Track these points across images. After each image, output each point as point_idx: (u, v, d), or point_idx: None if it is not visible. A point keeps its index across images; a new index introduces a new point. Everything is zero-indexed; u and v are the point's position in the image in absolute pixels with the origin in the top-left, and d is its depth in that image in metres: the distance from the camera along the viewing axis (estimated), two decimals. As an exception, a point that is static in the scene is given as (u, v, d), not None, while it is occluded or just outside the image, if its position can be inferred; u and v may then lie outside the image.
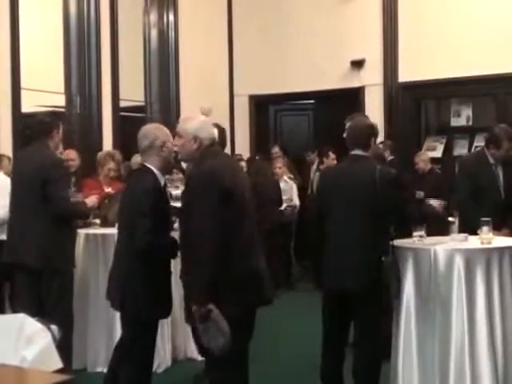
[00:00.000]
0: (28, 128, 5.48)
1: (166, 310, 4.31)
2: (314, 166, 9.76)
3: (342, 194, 4.38)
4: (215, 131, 4.04)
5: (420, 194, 8.40)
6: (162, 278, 4.21)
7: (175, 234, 4.23)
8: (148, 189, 4.11)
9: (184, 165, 6.21)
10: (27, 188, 5.23)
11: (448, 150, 9.71)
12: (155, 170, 4.22)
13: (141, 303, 4.12)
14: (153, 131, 4.34)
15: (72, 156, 7.19)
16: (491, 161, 5.80)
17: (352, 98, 9.81)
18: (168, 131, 4.40)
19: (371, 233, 4.30)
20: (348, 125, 4.68)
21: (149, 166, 4.23)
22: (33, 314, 4.57)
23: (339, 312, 4.44)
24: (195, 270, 3.66)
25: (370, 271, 4.24)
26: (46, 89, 8.01)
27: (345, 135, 4.62)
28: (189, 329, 5.92)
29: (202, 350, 3.86)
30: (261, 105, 10.95)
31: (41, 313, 4.94)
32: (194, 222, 3.66)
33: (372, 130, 4.68)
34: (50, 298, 5.08)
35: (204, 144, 3.91)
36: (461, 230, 5.33)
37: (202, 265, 3.60)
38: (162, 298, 4.24)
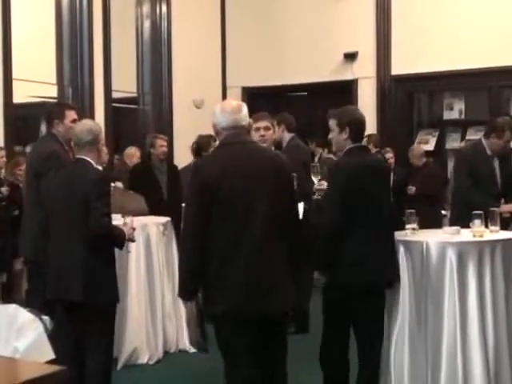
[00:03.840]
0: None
1: (118, 293, 4.38)
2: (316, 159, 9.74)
3: (368, 189, 4.15)
4: (233, 118, 3.68)
5: (412, 189, 8.43)
6: (113, 262, 4.32)
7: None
8: (101, 175, 4.25)
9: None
10: (27, 182, 5.28)
11: (440, 143, 9.73)
12: (94, 164, 4.29)
13: (108, 288, 4.20)
14: (96, 127, 4.41)
15: (164, 143, 7.59)
16: (489, 152, 5.84)
17: (345, 91, 9.80)
18: None
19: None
20: (351, 117, 4.24)
21: (87, 159, 4.26)
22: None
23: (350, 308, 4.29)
24: (179, 266, 3.81)
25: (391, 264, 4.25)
26: (37, 79, 7.98)
27: (348, 127, 4.16)
28: (181, 321, 6.00)
29: None
30: (254, 96, 10.92)
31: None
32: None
33: None
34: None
35: (222, 134, 3.72)
36: (453, 223, 5.35)
37: (181, 263, 3.75)
38: (116, 281, 4.33)
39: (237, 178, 3.59)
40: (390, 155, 8.86)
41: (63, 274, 4.21)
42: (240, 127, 3.71)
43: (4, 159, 7.08)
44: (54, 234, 4.32)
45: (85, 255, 4.12)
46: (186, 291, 3.75)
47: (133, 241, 4.52)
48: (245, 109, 3.77)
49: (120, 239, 4.29)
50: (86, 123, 4.52)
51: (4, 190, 6.65)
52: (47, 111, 5.44)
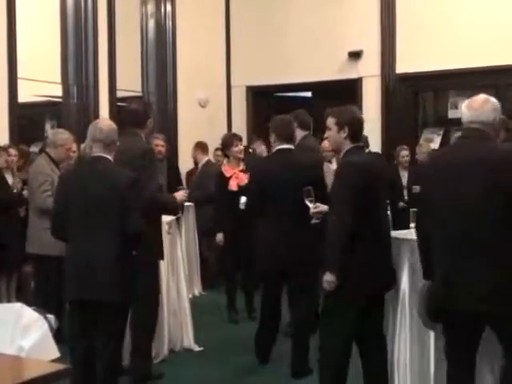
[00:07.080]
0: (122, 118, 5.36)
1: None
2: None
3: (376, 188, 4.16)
4: (466, 114, 3.82)
5: (416, 188, 8.40)
6: (139, 262, 4.29)
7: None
8: (136, 177, 4.19)
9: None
10: None
11: (445, 141, 9.70)
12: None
13: (133, 288, 4.18)
14: (116, 128, 4.33)
15: (160, 143, 7.65)
16: None
17: (349, 90, 9.80)
18: None
19: None
20: (351, 117, 4.21)
21: (109, 157, 4.22)
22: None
23: None
24: None
25: None
26: (42, 79, 7.99)
27: (347, 127, 4.14)
28: (186, 319, 6.01)
29: None
30: (258, 96, 10.92)
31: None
32: None
33: None
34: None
35: None
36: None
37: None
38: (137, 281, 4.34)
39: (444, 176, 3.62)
40: (405, 153, 8.73)
41: (86, 273, 4.09)
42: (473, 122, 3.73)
43: (14, 158, 6.81)
44: (72, 233, 4.21)
45: (113, 254, 4.05)
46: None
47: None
48: (486, 105, 3.83)
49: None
50: (111, 123, 4.37)
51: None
52: (141, 112, 5.15)
